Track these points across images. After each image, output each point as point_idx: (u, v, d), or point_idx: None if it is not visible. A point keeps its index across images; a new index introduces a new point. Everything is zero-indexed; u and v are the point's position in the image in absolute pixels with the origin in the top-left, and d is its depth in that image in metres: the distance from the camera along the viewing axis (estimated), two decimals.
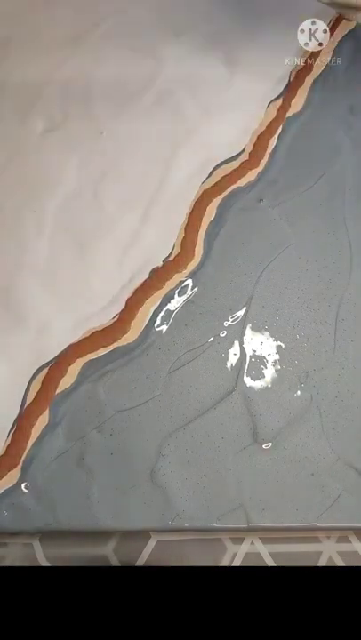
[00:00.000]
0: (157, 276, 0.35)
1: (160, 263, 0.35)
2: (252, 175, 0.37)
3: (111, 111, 0.38)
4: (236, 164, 0.38)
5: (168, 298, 0.35)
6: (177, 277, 0.35)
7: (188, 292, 0.35)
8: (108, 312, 0.35)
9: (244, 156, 0.38)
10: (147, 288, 0.35)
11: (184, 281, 0.35)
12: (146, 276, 0.35)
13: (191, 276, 0.36)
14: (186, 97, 0.39)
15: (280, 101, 0.39)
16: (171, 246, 0.36)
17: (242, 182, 0.37)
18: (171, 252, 0.36)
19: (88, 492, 0.32)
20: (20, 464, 0.32)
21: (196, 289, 0.35)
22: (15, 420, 0.33)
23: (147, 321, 0.35)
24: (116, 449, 0.33)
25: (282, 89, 0.39)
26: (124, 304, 0.35)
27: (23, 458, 0.32)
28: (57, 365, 0.34)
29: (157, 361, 0.34)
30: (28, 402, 0.33)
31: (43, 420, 0.33)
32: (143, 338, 0.34)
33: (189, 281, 0.35)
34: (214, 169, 0.37)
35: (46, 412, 0.33)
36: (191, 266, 0.36)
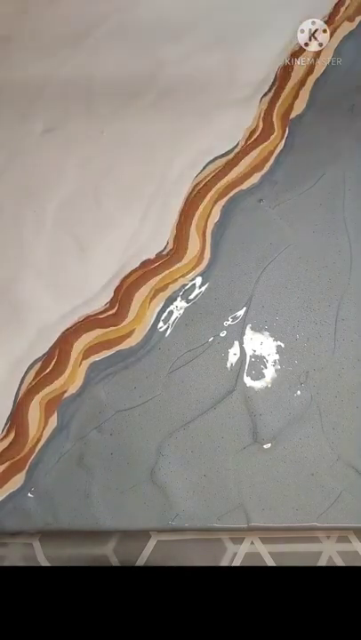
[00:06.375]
0: (152, 273, 0.35)
1: (154, 257, 0.36)
2: (255, 178, 0.37)
3: (111, 111, 0.38)
4: (235, 163, 0.38)
5: (171, 299, 0.35)
6: (181, 281, 0.35)
7: (194, 293, 0.35)
8: (101, 301, 0.35)
9: (251, 161, 0.38)
10: (140, 282, 0.35)
11: (187, 284, 0.35)
12: (141, 273, 0.35)
13: (194, 277, 0.36)
14: (186, 97, 0.39)
15: (281, 103, 0.39)
16: (165, 243, 0.36)
17: (245, 185, 0.37)
18: (165, 247, 0.36)
19: (88, 492, 0.32)
20: (26, 467, 0.32)
21: (198, 290, 0.35)
22: (9, 417, 0.33)
23: (150, 323, 0.35)
24: (116, 449, 0.33)
25: (281, 89, 0.39)
26: (112, 294, 0.35)
27: (30, 461, 0.32)
28: (49, 358, 0.34)
29: (157, 361, 0.34)
30: (20, 395, 0.33)
31: (51, 423, 0.33)
32: (146, 340, 0.34)
33: (193, 282, 0.35)
34: (210, 165, 0.37)
35: (54, 416, 0.33)
36: (200, 268, 0.36)
